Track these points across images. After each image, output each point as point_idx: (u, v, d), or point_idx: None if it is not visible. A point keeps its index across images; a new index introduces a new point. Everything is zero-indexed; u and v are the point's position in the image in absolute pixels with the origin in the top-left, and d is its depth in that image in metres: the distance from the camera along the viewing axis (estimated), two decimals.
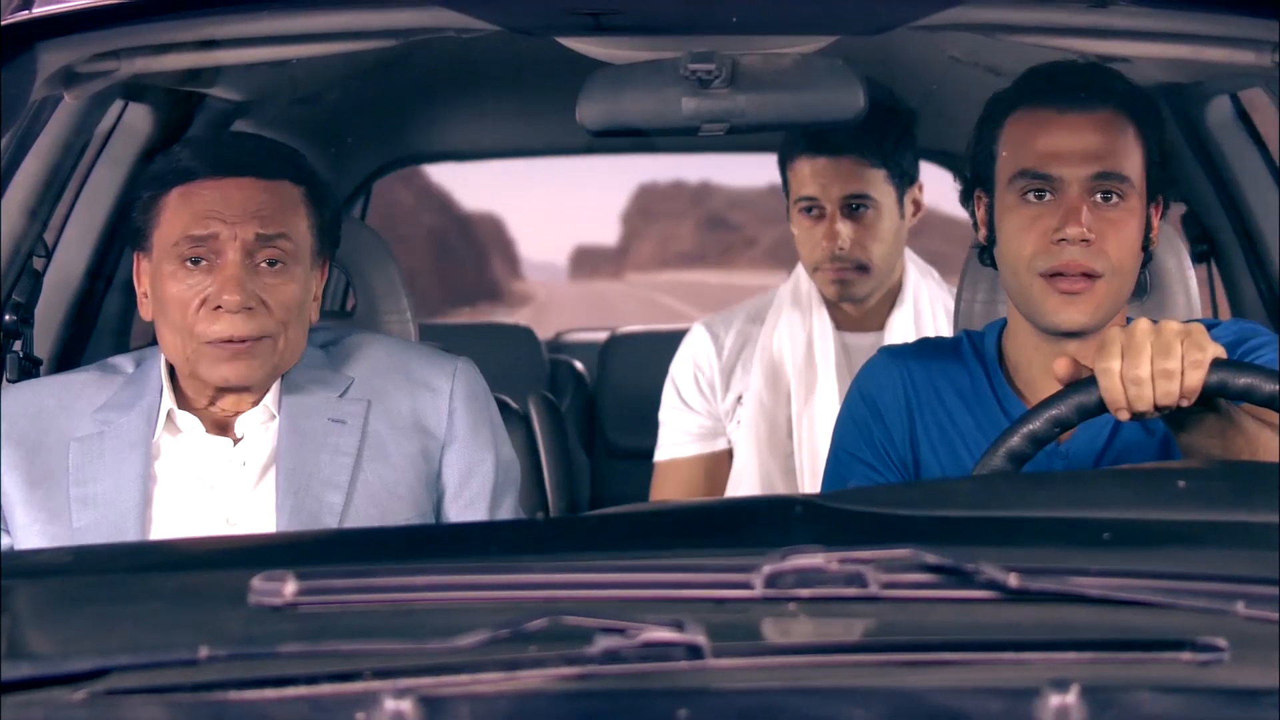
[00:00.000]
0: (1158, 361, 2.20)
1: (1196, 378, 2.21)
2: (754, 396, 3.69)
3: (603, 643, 1.40)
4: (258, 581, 1.50)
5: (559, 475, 3.95)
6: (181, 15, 2.46)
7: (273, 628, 1.49)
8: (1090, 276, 2.55)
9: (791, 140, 3.66)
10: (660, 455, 3.86)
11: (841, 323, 3.72)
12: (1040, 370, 2.64)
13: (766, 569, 1.51)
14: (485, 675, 1.38)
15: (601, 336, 6.46)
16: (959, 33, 3.05)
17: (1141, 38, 2.60)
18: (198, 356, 2.58)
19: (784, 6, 2.58)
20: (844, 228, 3.60)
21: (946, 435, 2.69)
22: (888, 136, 3.62)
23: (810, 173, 3.62)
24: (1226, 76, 3.34)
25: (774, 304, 3.78)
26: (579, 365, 6.04)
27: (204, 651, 1.40)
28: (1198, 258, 3.75)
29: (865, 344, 3.59)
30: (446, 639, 1.41)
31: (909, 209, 3.71)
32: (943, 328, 3.62)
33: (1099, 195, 2.56)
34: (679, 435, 3.82)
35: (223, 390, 2.63)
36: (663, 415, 3.85)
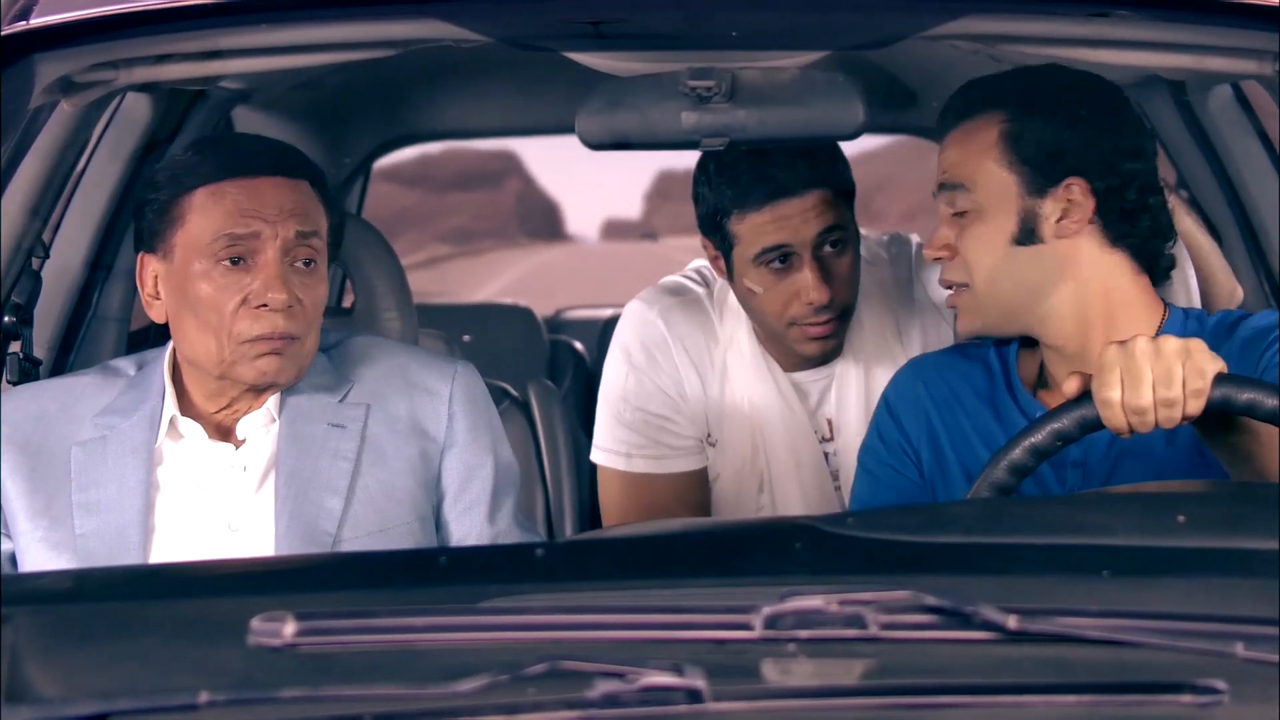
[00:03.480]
0: (1159, 390, 2.19)
1: (1197, 406, 2.21)
2: (723, 453, 3.37)
3: (602, 687, 1.40)
4: (257, 622, 1.50)
5: (557, 463, 3.95)
6: (179, 27, 2.45)
7: (272, 669, 1.49)
8: (960, 286, 2.64)
9: (735, 194, 3.13)
10: (634, 466, 3.40)
11: (788, 364, 3.31)
12: (1061, 371, 2.66)
13: (766, 610, 1.51)
14: None
15: (601, 314, 6.48)
16: None
17: (1142, 47, 2.59)
18: (235, 357, 2.58)
19: (785, 21, 2.58)
20: (824, 272, 3.13)
21: (965, 435, 2.72)
22: (835, 157, 3.17)
23: (773, 219, 3.11)
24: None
25: (719, 354, 3.35)
26: (579, 346, 6.06)
27: (203, 696, 1.40)
28: None
29: (819, 378, 3.32)
30: (446, 683, 1.41)
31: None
32: (898, 333, 3.34)
33: (951, 213, 2.64)
34: (657, 446, 3.38)
35: (250, 390, 2.63)
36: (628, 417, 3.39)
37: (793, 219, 3.11)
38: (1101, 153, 2.61)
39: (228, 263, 2.57)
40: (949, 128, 2.66)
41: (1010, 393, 2.71)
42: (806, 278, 3.13)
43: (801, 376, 3.32)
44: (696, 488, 3.39)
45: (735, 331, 3.32)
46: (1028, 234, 2.60)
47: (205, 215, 2.59)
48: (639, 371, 3.35)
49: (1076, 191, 2.59)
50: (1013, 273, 2.61)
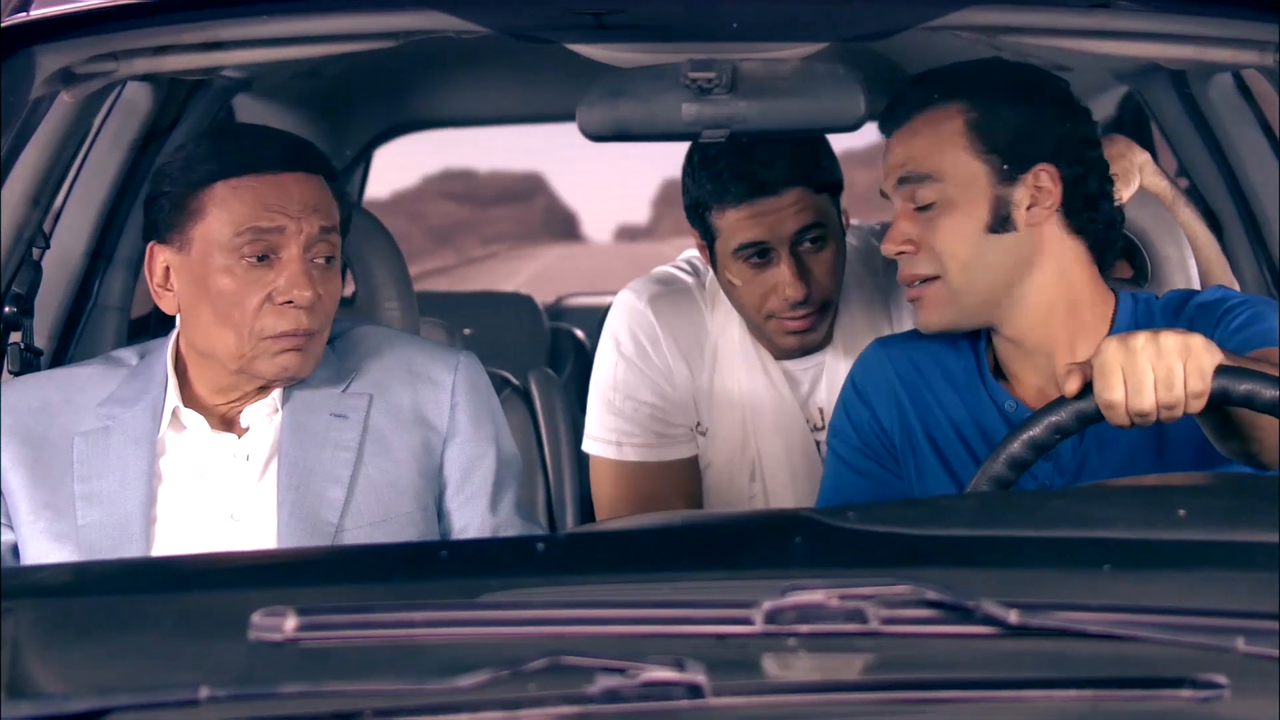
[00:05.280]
0: (1161, 393, 2.18)
1: (1199, 405, 2.20)
2: (713, 442, 3.39)
3: (603, 682, 1.40)
4: (258, 617, 1.50)
5: (558, 450, 3.95)
6: (179, 19, 2.45)
7: (273, 664, 1.49)
8: (928, 280, 2.63)
9: (715, 189, 3.15)
10: (625, 455, 3.40)
11: (779, 353, 3.32)
12: (1019, 364, 2.69)
13: (767, 605, 1.51)
14: (486, 715, 1.39)
15: (602, 301, 6.48)
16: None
17: (1143, 38, 2.59)
18: (257, 352, 2.58)
19: (786, 12, 2.58)
20: (801, 269, 3.14)
21: (936, 419, 2.72)
22: (818, 152, 3.18)
23: (749, 216, 3.13)
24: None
25: (709, 343, 3.36)
26: (579, 333, 6.06)
27: (204, 692, 1.40)
28: None
29: (810, 366, 3.33)
30: (447, 678, 1.41)
31: (844, 220, 3.26)
32: (889, 320, 3.34)
33: (915, 205, 2.63)
34: (647, 434, 3.40)
35: (264, 386, 2.64)
36: (622, 405, 3.40)
37: (770, 216, 3.13)
38: (1067, 140, 2.64)
39: (252, 259, 2.57)
40: (903, 120, 2.66)
41: (980, 379, 2.71)
42: (783, 274, 3.14)
43: (792, 365, 3.32)
44: (688, 476, 3.41)
45: (726, 321, 3.33)
46: (1001, 222, 2.61)
47: (227, 209, 2.57)
48: (629, 361, 3.37)
49: (1045, 178, 2.61)
50: (988, 262, 2.61)
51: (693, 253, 3.46)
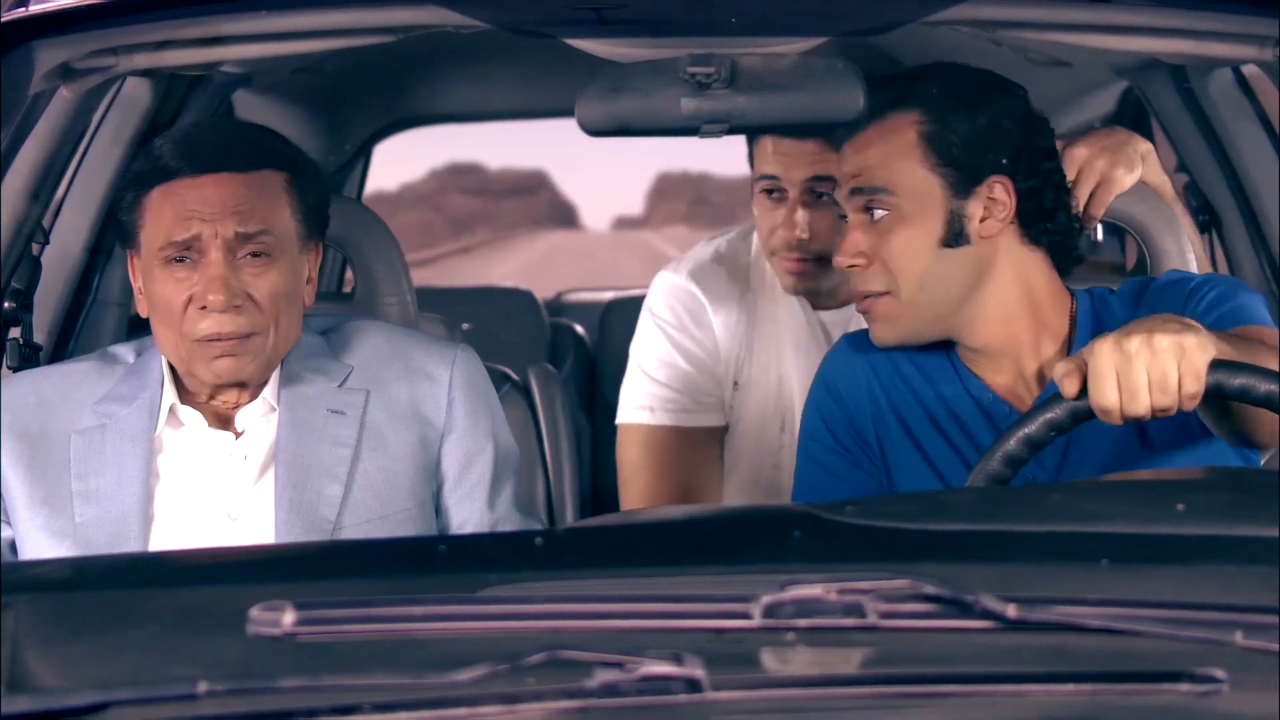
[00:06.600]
0: (1156, 396, 2.17)
1: (1194, 405, 2.20)
2: (747, 393, 3.47)
3: (601, 676, 1.40)
4: (256, 611, 1.50)
5: (558, 446, 3.95)
6: (179, 14, 2.45)
7: (271, 658, 1.49)
8: (879, 294, 2.61)
9: None
10: (657, 419, 3.50)
11: (817, 301, 3.42)
12: (984, 366, 2.67)
13: (765, 599, 1.51)
14: (484, 709, 1.39)
15: (601, 297, 6.48)
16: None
17: (1143, 33, 2.59)
18: (190, 355, 2.58)
19: (785, 7, 2.58)
20: (805, 214, 3.27)
21: (913, 411, 2.70)
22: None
23: (773, 150, 3.30)
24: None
25: (753, 284, 3.50)
26: (579, 329, 6.06)
27: (202, 686, 1.40)
28: (1200, 228, 3.74)
29: (844, 318, 3.40)
30: (445, 672, 1.41)
31: None
32: None
33: (865, 212, 2.62)
34: (682, 398, 3.49)
35: (220, 386, 2.63)
36: (661, 374, 3.50)
37: (788, 157, 3.27)
38: (1023, 151, 2.62)
39: (175, 262, 2.57)
40: (856, 129, 2.64)
41: (955, 372, 2.69)
42: (786, 214, 3.28)
43: (828, 317, 3.42)
44: (713, 445, 3.49)
45: (765, 275, 3.47)
46: (955, 236, 2.59)
47: (157, 216, 2.59)
48: (667, 331, 3.48)
49: (1000, 190, 2.60)
50: (942, 276, 2.60)
51: (721, 239, 3.59)
